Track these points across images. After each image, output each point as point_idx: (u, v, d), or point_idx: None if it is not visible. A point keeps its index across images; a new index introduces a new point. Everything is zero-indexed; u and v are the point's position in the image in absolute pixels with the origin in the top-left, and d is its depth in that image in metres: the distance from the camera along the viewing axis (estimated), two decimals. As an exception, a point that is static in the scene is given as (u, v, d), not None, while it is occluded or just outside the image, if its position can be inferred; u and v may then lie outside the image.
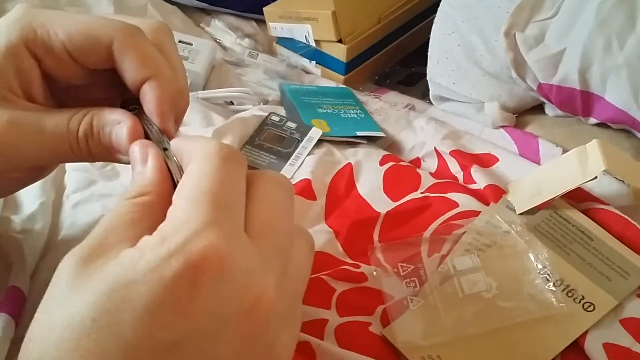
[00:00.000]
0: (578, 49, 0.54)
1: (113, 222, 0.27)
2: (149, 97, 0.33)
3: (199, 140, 0.30)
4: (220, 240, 0.25)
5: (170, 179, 0.30)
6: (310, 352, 0.39)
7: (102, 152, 0.34)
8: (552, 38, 0.56)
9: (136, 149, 0.31)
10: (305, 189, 0.53)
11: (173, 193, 0.28)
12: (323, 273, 0.46)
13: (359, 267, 0.47)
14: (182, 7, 0.84)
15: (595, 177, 0.46)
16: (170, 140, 0.32)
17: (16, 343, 0.35)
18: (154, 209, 0.28)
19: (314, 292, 0.44)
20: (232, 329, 0.25)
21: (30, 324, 0.25)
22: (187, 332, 0.24)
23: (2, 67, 0.33)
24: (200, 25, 0.83)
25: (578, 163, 0.48)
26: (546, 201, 0.48)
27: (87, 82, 0.36)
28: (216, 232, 0.25)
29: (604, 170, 0.46)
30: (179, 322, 0.24)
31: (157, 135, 0.33)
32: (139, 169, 0.30)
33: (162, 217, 0.26)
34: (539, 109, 0.62)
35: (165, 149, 0.31)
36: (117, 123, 0.33)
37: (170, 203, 0.27)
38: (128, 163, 0.32)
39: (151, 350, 0.24)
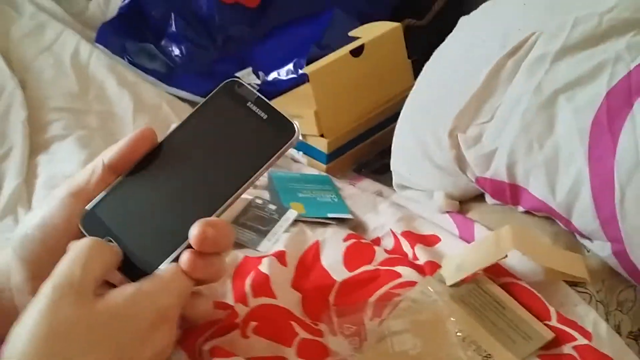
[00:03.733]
0: (506, 148, 0.64)
1: None
2: None
3: None
4: None
5: None
6: None
7: None
8: (487, 139, 0.67)
9: None
10: (280, 257, 0.64)
11: None
12: (291, 320, 0.55)
13: (317, 324, 0.57)
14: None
15: (506, 256, 0.55)
16: None
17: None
18: None
19: (280, 330, 0.54)
20: None
21: None
22: None
23: None
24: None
25: (494, 244, 0.57)
26: (469, 275, 0.58)
27: None
28: None
29: (513, 250, 0.55)
30: None
31: None
32: None
33: None
34: (481, 197, 0.72)
35: None
36: None
37: None
38: None
39: None
